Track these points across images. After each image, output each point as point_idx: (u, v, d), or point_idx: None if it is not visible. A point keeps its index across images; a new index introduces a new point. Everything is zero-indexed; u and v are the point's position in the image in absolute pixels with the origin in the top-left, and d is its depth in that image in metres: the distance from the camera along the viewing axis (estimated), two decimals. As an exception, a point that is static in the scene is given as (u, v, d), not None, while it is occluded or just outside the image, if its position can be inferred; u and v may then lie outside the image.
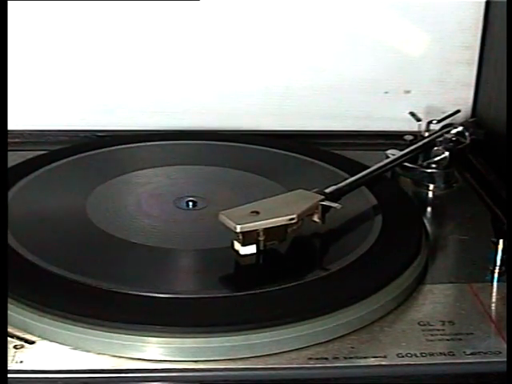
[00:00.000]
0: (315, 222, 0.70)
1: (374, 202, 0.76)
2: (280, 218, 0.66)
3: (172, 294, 0.62)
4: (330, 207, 0.69)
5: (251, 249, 0.66)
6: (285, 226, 0.67)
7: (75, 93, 0.94)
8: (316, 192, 0.70)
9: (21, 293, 0.61)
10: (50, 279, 0.63)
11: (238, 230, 0.65)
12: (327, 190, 0.71)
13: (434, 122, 0.87)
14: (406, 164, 0.84)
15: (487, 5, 0.93)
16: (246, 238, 0.66)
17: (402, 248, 0.69)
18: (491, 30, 0.93)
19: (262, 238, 0.66)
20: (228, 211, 0.67)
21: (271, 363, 0.58)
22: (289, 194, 0.71)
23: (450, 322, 0.63)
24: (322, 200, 0.69)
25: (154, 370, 0.57)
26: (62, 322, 0.59)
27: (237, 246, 0.66)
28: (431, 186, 0.84)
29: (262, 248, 0.66)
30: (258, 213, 0.66)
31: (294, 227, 0.67)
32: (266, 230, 0.66)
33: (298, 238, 0.69)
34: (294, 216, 0.67)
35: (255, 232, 0.66)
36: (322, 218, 0.69)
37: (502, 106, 0.87)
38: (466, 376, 0.58)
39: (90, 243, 0.69)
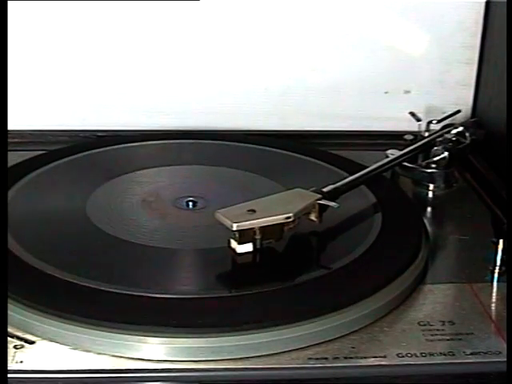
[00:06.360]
0: (312, 220, 0.70)
1: (374, 201, 0.76)
2: (276, 217, 0.66)
3: (172, 294, 0.62)
4: (328, 206, 0.69)
5: (248, 247, 0.66)
6: (281, 225, 0.67)
7: (75, 93, 0.94)
8: (313, 191, 0.70)
9: (21, 293, 0.61)
10: (50, 279, 0.63)
11: (234, 228, 0.65)
12: (325, 189, 0.71)
13: (434, 122, 0.88)
14: (405, 164, 0.84)
15: (487, 5, 0.93)
16: (243, 237, 0.66)
17: (402, 248, 0.69)
18: (491, 30, 0.93)
19: (258, 237, 0.66)
20: (224, 210, 0.67)
21: (271, 363, 0.58)
22: (286, 192, 0.71)
23: (449, 322, 0.63)
24: (320, 199, 0.69)
25: (154, 370, 0.57)
26: (62, 321, 0.59)
27: (233, 244, 0.66)
28: (431, 186, 0.84)
29: (258, 246, 0.66)
30: (254, 211, 0.66)
31: (291, 226, 0.67)
32: (263, 229, 0.66)
33: (298, 237, 0.69)
34: (290, 215, 0.67)
35: (251, 230, 0.66)
36: (319, 217, 0.69)
37: (502, 106, 0.87)
38: (465, 376, 0.58)
39: (90, 243, 0.69)
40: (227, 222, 0.65)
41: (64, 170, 0.82)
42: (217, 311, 0.60)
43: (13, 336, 0.59)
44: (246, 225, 0.65)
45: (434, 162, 0.84)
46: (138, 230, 0.71)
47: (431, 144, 0.85)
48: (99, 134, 0.93)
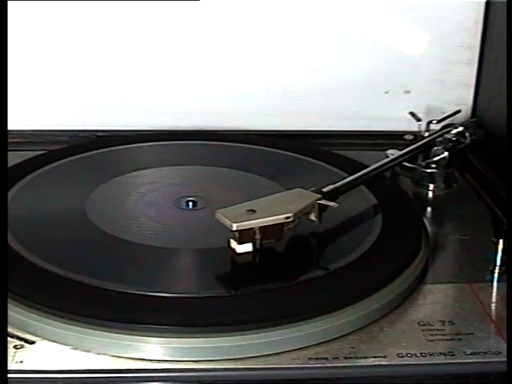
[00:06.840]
0: (312, 220, 0.70)
1: (374, 201, 0.76)
2: (276, 217, 0.66)
3: (172, 294, 0.62)
4: (328, 206, 0.69)
5: (247, 247, 0.66)
6: (281, 225, 0.67)
7: (75, 93, 0.94)
8: (313, 191, 0.70)
9: (21, 293, 0.61)
10: (50, 279, 0.63)
11: (234, 228, 0.65)
12: (325, 189, 0.71)
13: (434, 122, 0.88)
14: (405, 164, 0.84)
15: (487, 5, 0.93)
16: (242, 237, 0.66)
17: (402, 248, 0.69)
18: (491, 30, 0.93)
19: (258, 237, 0.66)
20: (224, 209, 0.67)
21: (271, 363, 0.58)
22: (286, 192, 0.71)
23: (449, 322, 0.63)
24: (319, 199, 0.69)
25: (154, 370, 0.57)
26: (62, 322, 0.59)
27: (233, 244, 0.66)
28: (431, 186, 0.84)
29: (258, 247, 0.66)
30: (254, 211, 0.66)
31: (291, 226, 0.67)
32: (262, 229, 0.66)
33: (298, 237, 0.69)
34: (290, 214, 0.67)
35: (251, 230, 0.66)
36: (319, 216, 0.69)
37: (502, 106, 0.87)
38: (465, 376, 0.58)
39: (90, 243, 0.69)
40: (227, 222, 0.65)
41: (64, 170, 0.82)
42: (217, 311, 0.60)
43: (13, 336, 0.59)
44: (245, 225, 0.65)
45: (434, 162, 0.84)
46: (138, 229, 0.71)
47: (431, 144, 0.85)
48: (99, 133, 0.93)
